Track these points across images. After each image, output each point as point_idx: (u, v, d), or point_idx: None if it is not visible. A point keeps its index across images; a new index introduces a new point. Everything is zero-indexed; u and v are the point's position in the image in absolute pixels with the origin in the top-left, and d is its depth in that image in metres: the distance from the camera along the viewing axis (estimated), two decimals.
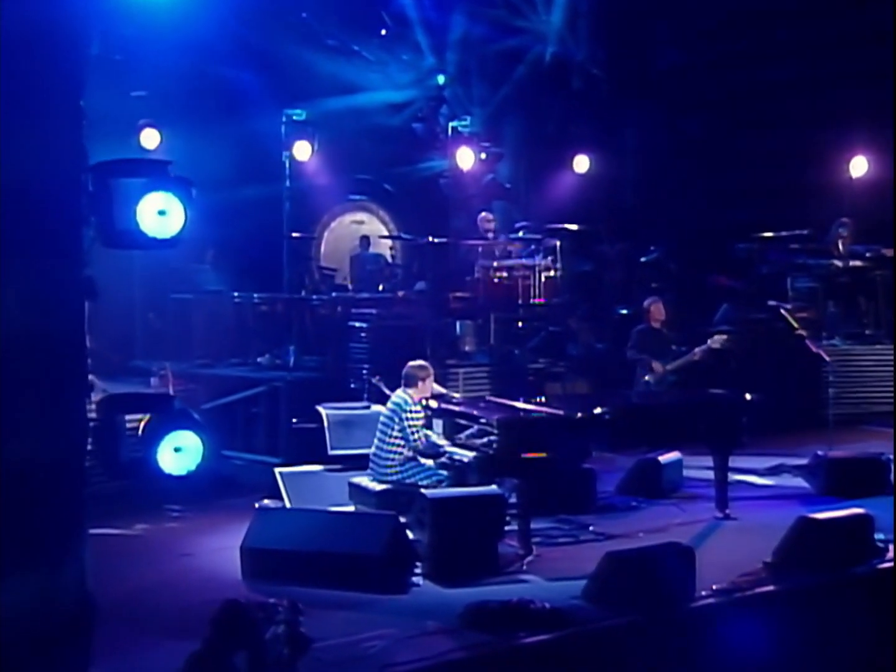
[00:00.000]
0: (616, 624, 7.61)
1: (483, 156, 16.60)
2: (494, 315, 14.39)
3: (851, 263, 15.74)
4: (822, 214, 16.17)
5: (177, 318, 14.33)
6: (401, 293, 14.82)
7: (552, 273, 14.47)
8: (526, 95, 18.03)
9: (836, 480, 11.03)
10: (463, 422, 9.65)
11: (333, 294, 14.89)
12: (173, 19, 12.77)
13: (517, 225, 15.65)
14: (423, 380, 9.94)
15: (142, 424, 5.92)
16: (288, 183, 14.50)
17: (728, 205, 17.06)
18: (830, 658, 8.10)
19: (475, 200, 16.64)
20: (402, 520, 8.70)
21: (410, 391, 9.91)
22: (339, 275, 15.89)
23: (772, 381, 13.70)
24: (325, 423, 10.80)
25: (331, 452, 10.70)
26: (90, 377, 5.80)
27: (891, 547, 9.04)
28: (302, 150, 14.60)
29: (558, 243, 14.77)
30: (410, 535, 8.76)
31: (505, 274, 14.35)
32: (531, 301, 14.32)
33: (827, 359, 12.85)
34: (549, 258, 14.57)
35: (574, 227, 15.06)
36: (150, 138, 14.16)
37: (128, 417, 6.07)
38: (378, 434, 9.93)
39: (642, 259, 16.44)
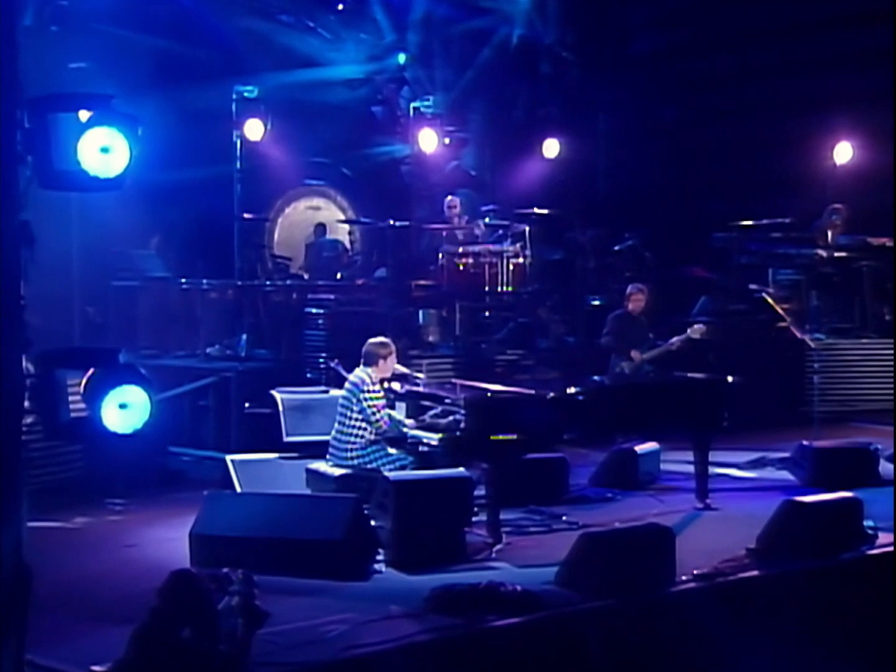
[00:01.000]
0: (591, 607, 7.59)
1: (447, 141, 16.56)
2: (459, 304, 14.38)
3: (836, 254, 15.79)
4: (805, 204, 16.25)
5: (119, 307, 14.19)
6: (360, 281, 14.76)
7: (521, 260, 14.45)
8: (492, 80, 18.05)
9: (822, 471, 11.05)
10: (428, 403, 9.63)
11: (288, 281, 14.82)
12: None
13: (484, 209, 15.63)
14: (384, 358, 9.86)
15: (83, 380, 5.84)
16: (239, 164, 14.43)
17: (705, 193, 17.13)
18: (817, 646, 8.10)
19: (439, 189, 16.60)
20: (364, 505, 8.66)
21: (369, 370, 9.83)
22: (294, 264, 15.81)
23: (753, 375, 13.68)
24: (280, 409, 10.71)
25: (286, 439, 10.61)
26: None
27: (881, 534, 9.07)
28: (254, 130, 14.49)
29: (527, 229, 14.77)
30: (373, 522, 8.69)
31: (471, 260, 14.30)
32: (498, 289, 14.30)
33: (812, 345, 12.90)
34: (518, 244, 14.55)
35: (544, 211, 15.06)
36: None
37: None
38: (337, 418, 9.85)
39: (616, 247, 16.44)
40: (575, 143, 17.25)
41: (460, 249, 14.39)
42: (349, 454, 9.71)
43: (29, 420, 5.84)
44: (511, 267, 14.34)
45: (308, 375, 12.58)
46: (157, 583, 6.76)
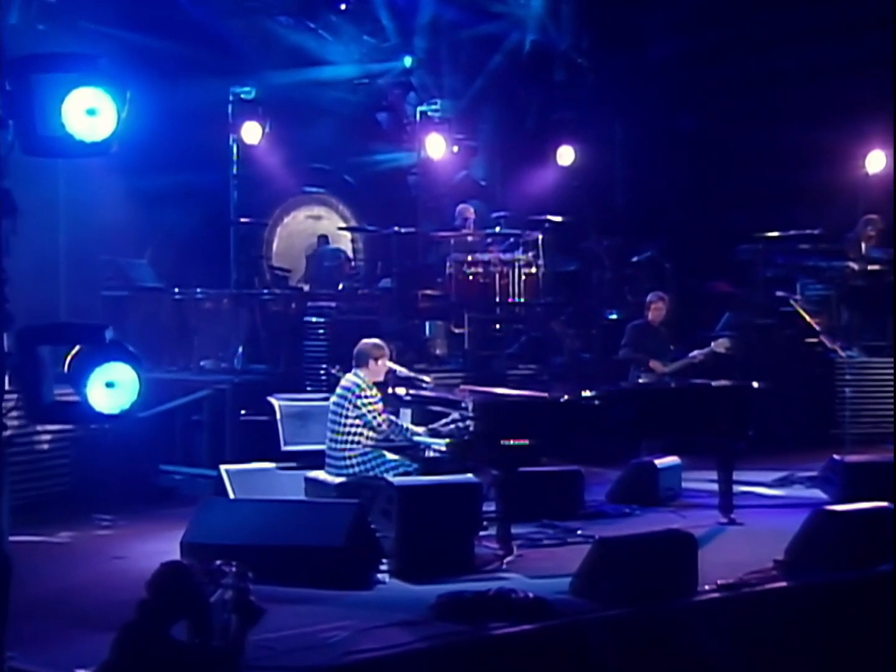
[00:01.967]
0: (605, 616, 7.54)
1: (455, 149, 16.59)
2: (468, 316, 14.34)
3: (869, 267, 15.73)
4: (835, 214, 16.18)
5: (108, 318, 14.15)
6: (363, 291, 14.74)
7: (533, 270, 14.45)
8: (503, 86, 18.08)
9: (855, 487, 10.93)
10: (436, 408, 9.55)
11: (287, 290, 14.81)
12: None
13: (494, 216, 15.61)
14: (376, 360, 9.82)
15: (68, 358, 5.83)
16: (235, 169, 14.47)
17: (728, 203, 17.12)
18: (846, 661, 8.04)
19: (447, 200, 16.62)
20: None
21: (360, 372, 9.76)
22: (293, 276, 15.78)
23: (780, 392, 13.64)
24: (278, 416, 10.69)
25: (284, 448, 10.59)
26: None
27: None
28: (251, 133, 14.56)
29: (540, 237, 14.75)
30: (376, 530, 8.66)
31: (480, 270, 14.30)
32: (510, 301, 14.29)
33: (842, 354, 12.83)
34: (531, 253, 14.55)
35: (558, 218, 15.01)
36: None
37: None
38: (329, 426, 9.75)
39: (634, 258, 16.40)
40: (591, 151, 17.27)
41: (469, 258, 14.37)
42: (347, 462, 9.63)
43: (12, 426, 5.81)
44: (523, 277, 14.35)
45: (308, 388, 12.53)
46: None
